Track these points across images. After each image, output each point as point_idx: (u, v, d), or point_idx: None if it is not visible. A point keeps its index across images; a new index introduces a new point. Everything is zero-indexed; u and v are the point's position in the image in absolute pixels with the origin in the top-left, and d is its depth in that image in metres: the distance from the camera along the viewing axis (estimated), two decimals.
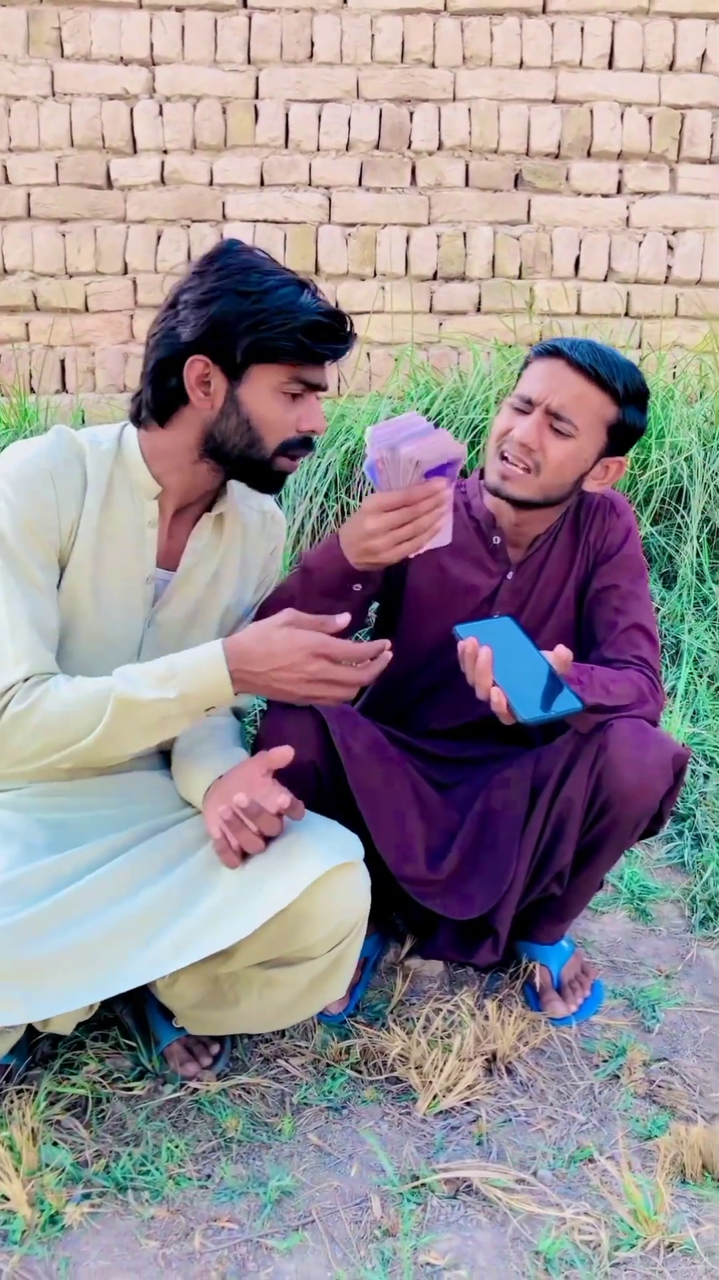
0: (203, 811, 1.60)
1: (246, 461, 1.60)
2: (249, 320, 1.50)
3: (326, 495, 3.23)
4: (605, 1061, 1.83)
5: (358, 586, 1.63)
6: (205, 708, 1.49)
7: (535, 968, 1.98)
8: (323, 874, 1.48)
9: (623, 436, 1.79)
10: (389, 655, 1.49)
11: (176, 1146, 1.59)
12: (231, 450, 1.58)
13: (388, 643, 1.49)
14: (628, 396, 1.75)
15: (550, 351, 1.77)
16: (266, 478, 1.63)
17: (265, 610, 1.68)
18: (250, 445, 1.57)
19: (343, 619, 1.49)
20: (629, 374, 1.76)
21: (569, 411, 1.73)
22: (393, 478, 1.50)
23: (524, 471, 1.76)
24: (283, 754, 1.53)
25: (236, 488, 1.73)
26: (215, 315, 1.50)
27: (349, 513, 3.23)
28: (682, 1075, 1.81)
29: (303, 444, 1.61)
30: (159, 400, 1.58)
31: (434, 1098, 1.70)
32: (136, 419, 1.64)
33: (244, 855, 1.52)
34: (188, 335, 1.52)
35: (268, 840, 1.52)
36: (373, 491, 1.62)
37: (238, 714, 1.85)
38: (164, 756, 1.77)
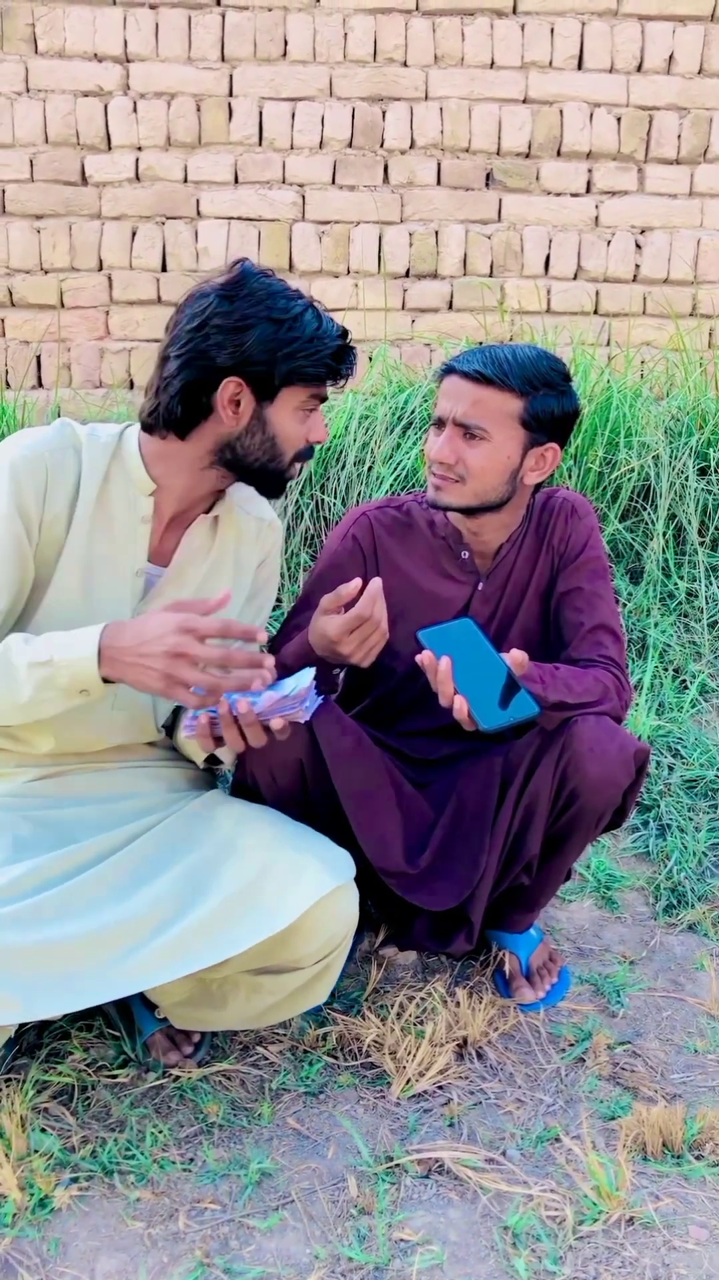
0: None
1: (264, 472, 1.69)
2: (287, 348, 1.58)
3: (301, 492, 3.28)
4: (572, 1045, 1.91)
5: (337, 671, 1.79)
6: (79, 688, 1.51)
7: (505, 955, 2.05)
8: (319, 899, 1.56)
9: (547, 424, 1.84)
10: (270, 662, 1.51)
11: (160, 1131, 1.66)
12: (253, 463, 1.67)
13: (261, 629, 1.55)
14: (529, 386, 1.81)
15: (445, 371, 1.87)
16: (278, 484, 1.73)
17: None
18: (271, 459, 1.67)
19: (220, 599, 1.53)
20: (527, 365, 1.82)
21: (473, 417, 1.80)
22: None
23: (454, 482, 1.84)
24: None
25: (236, 493, 1.79)
26: (254, 342, 1.58)
27: (324, 509, 3.29)
28: (644, 1058, 1.89)
29: (309, 453, 1.72)
30: (187, 416, 1.64)
31: (407, 1082, 1.77)
32: (149, 427, 1.68)
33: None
34: (224, 360, 1.59)
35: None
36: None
37: None
38: (153, 748, 1.83)
